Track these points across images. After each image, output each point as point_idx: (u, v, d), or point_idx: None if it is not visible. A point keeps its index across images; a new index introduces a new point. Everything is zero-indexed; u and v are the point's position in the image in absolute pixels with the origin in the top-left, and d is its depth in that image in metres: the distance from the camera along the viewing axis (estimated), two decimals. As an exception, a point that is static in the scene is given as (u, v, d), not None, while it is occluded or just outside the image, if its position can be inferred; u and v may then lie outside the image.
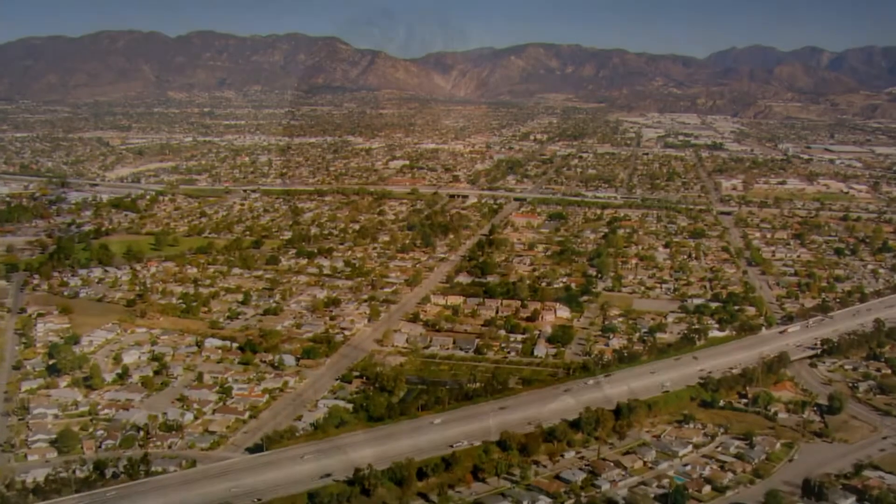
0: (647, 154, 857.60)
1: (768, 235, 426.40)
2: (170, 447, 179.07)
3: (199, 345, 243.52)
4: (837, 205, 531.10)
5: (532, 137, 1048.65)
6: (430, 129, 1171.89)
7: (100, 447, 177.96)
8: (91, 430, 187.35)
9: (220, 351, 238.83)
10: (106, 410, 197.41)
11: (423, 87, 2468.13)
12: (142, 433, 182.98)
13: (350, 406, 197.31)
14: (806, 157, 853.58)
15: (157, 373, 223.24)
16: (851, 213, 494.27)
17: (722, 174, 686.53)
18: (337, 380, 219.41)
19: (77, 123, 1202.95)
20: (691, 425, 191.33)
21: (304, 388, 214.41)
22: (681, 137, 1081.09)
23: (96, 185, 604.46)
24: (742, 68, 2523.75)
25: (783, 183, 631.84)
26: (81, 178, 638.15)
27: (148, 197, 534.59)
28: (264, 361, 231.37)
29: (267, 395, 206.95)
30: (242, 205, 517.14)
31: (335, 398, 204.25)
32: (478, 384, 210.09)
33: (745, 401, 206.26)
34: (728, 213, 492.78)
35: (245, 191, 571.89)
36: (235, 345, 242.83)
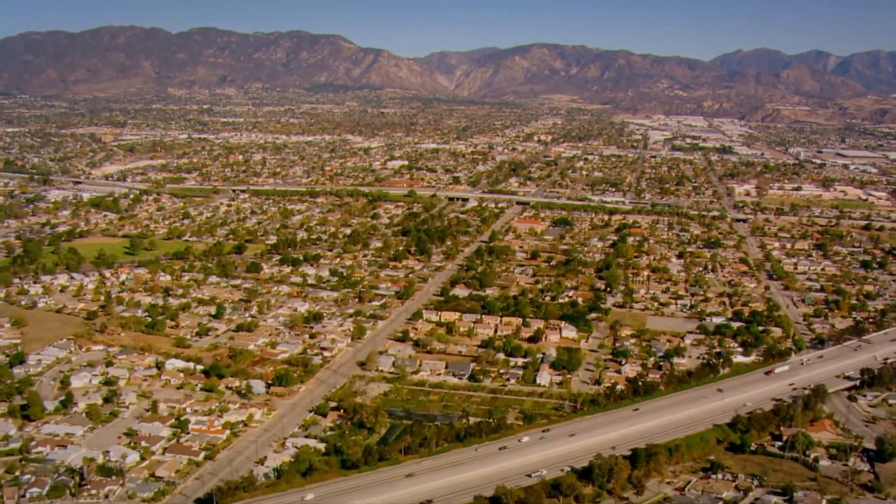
0: (654, 157, 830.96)
1: (788, 245, 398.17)
2: (106, 496, 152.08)
3: (160, 367, 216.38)
4: (857, 212, 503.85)
5: (536, 138, 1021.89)
6: (431, 129, 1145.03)
7: (23, 497, 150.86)
8: (18, 473, 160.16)
9: (181, 374, 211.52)
10: (40, 448, 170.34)
11: (426, 87, 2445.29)
12: (75, 479, 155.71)
13: (322, 446, 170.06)
14: (818, 161, 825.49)
15: (106, 400, 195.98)
16: (874, 221, 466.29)
17: (734, 179, 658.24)
18: (311, 412, 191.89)
19: (72, 119, 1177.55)
20: (720, 475, 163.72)
21: (272, 422, 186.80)
22: (688, 140, 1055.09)
23: (80, 182, 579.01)
24: (748, 71, 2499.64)
25: (798, 189, 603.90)
26: (65, 176, 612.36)
27: (131, 196, 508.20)
28: (230, 388, 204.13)
29: (228, 431, 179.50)
30: (230, 206, 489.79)
31: (306, 436, 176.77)
32: (471, 419, 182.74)
33: (779, 444, 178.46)
34: (743, 221, 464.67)
35: (234, 191, 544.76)
36: (200, 367, 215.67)
